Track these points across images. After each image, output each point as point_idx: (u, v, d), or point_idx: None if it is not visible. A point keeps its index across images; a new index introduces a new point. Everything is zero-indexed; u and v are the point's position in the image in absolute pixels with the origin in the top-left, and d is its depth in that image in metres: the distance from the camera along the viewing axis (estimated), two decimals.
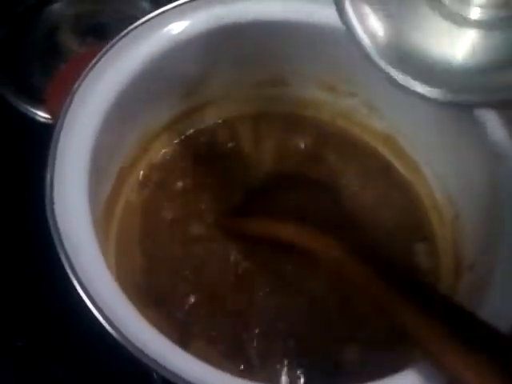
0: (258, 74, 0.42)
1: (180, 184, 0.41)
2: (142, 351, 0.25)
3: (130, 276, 0.37)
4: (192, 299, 0.36)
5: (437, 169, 0.40)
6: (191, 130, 0.43)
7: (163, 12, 0.33)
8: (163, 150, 0.42)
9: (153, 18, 0.33)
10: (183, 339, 0.34)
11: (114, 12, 0.55)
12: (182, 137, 0.43)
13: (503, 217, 0.32)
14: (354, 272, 0.31)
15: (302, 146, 0.44)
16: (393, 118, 0.42)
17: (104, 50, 0.31)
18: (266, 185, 0.42)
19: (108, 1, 0.56)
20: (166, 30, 0.33)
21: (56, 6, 0.56)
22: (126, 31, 0.32)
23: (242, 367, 0.34)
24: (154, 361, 0.25)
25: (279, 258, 0.38)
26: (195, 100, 0.41)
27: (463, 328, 0.26)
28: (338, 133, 0.45)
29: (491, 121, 0.34)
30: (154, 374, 0.36)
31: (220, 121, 0.44)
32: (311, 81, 0.42)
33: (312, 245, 0.34)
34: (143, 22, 0.33)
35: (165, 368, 0.25)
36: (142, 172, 0.41)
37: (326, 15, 0.37)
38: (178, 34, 0.34)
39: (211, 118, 0.43)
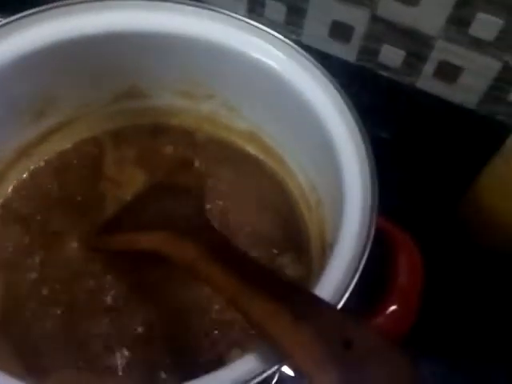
0: (113, 89, 0.41)
1: (41, 213, 0.39)
2: None
3: None
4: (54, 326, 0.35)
5: (299, 159, 0.40)
6: (49, 155, 0.41)
7: None
8: (19, 180, 0.40)
9: None
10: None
11: None
12: (40, 162, 0.41)
13: (344, 193, 0.32)
14: (205, 270, 0.31)
15: (171, 155, 0.44)
16: (252, 116, 0.42)
17: None
18: (135, 199, 0.41)
19: None
20: None
21: None
22: None
23: None
24: None
25: (149, 271, 0.37)
26: (48, 122, 0.40)
27: (295, 304, 0.26)
28: (205, 137, 0.44)
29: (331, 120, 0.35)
30: None
31: (82, 140, 0.43)
32: (168, 89, 0.42)
33: (170, 250, 0.33)
34: None
35: None
36: None
37: (172, 23, 0.37)
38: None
39: (71, 139, 0.42)
